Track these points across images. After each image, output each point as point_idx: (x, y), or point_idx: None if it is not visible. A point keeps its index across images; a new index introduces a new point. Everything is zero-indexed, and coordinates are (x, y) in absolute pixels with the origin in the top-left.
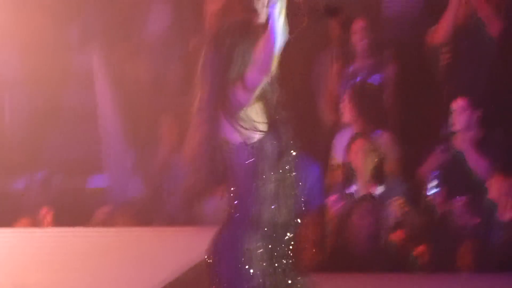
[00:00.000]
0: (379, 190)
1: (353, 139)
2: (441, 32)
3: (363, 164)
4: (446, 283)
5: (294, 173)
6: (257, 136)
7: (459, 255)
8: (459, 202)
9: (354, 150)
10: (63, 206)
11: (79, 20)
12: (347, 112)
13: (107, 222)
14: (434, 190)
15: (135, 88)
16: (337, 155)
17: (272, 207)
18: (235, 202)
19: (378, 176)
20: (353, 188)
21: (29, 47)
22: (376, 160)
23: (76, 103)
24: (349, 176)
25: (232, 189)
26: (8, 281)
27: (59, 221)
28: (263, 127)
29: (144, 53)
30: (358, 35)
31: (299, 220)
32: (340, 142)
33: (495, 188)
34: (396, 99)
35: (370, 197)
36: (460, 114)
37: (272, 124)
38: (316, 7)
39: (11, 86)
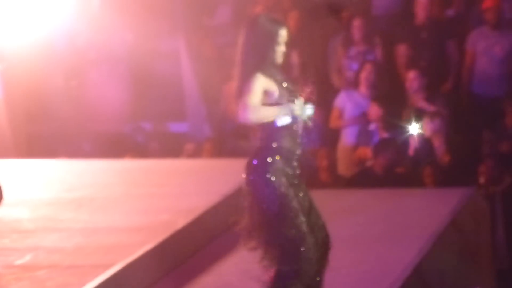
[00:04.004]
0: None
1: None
2: None
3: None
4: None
5: (304, 115)
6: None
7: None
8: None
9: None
10: (163, 143)
11: (169, 13)
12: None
13: (191, 155)
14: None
15: (207, 62)
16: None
17: (288, 137)
18: (263, 134)
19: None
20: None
21: (135, 34)
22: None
23: (167, 73)
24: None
25: (261, 126)
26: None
27: (160, 153)
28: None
29: (213, 38)
30: (356, 29)
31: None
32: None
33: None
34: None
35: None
36: (412, 81)
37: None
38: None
39: (123, 60)
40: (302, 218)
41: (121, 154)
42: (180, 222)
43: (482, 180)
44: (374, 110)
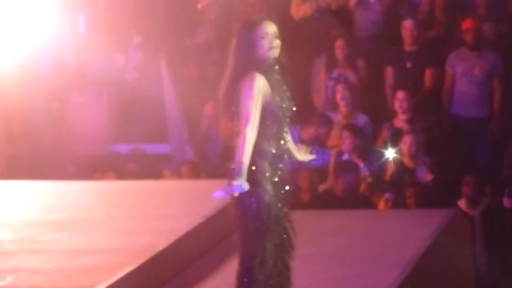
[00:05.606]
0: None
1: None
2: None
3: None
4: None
5: (286, 128)
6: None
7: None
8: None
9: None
10: (145, 164)
11: (150, 35)
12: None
13: (172, 177)
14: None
15: (189, 83)
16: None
17: (272, 143)
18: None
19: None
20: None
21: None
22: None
23: (150, 94)
24: None
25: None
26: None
27: (141, 175)
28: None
29: (194, 58)
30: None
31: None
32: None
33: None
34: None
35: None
36: (402, 101)
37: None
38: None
39: (108, 83)
40: (273, 239)
41: (102, 176)
42: (162, 244)
43: (462, 204)
44: (347, 140)
